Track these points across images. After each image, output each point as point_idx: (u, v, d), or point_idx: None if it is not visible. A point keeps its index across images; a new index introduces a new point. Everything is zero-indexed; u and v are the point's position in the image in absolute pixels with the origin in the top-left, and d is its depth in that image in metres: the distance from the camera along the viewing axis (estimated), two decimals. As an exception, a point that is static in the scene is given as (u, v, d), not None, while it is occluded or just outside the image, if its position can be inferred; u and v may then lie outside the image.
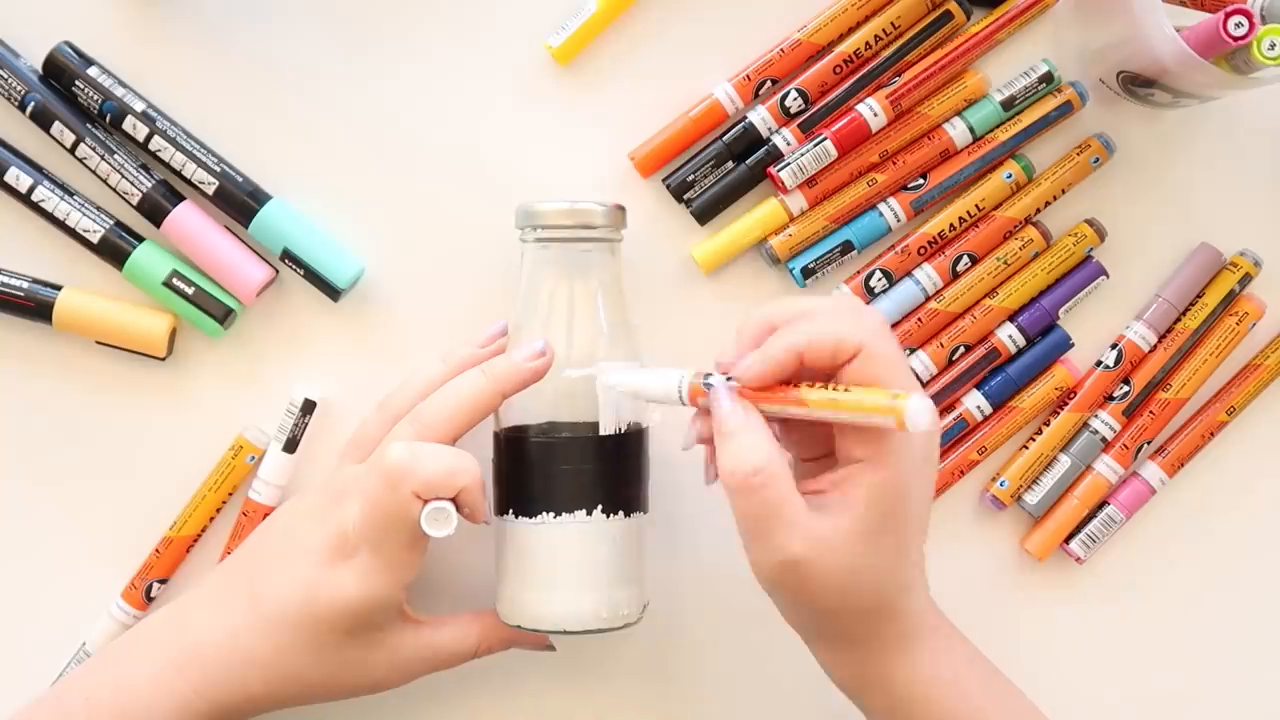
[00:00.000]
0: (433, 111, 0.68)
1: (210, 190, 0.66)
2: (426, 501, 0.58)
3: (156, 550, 0.68)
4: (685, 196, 0.68)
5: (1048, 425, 0.69)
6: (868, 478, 0.54)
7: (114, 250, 0.66)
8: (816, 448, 0.58)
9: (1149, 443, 0.69)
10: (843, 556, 0.54)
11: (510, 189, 0.66)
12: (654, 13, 0.68)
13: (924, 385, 0.68)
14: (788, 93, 0.67)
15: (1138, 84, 0.65)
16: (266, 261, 0.67)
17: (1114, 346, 0.69)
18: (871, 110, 0.67)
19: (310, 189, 0.68)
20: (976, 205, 0.68)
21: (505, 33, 0.68)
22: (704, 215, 0.68)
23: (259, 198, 0.66)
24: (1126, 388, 0.69)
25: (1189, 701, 0.70)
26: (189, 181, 0.66)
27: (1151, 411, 0.69)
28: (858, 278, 0.68)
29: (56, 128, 0.66)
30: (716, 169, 0.67)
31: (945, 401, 0.69)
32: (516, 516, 0.61)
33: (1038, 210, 0.68)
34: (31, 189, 0.66)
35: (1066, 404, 0.69)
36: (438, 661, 0.63)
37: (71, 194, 0.66)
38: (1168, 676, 0.70)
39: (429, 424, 0.60)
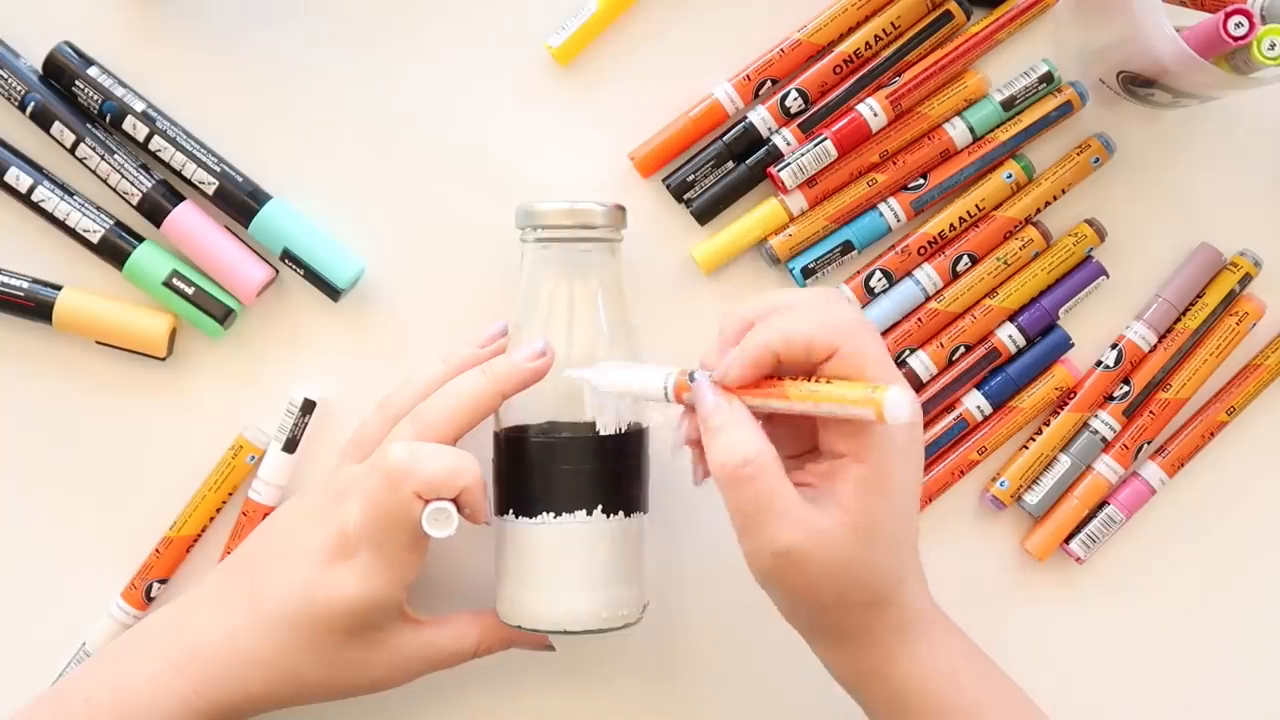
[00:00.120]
0: (433, 111, 0.68)
1: (210, 190, 0.66)
2: (428, 502, 0.58)
3: (156, 550, 0.68)
4: (685, 196, 0.68)
5: (1048, 425, 0.69)
6: (852, 471, 0.54)
7: (114, 250, 0.66)
8: (800, 443, 0.58)
9: (1149, 443, 0.69)
10: (836, 550, 0.54)
11: (510, 189, 0.66)
12: (654, 13, 0.68)
13: (924, 385, 0.68)
14: (788, 93, 0.67)
15: (1138, 84, 0.65)
16: (266, 261, 0.67)
17: (1114, 346, 0.69)
18: (871, 110, 0.67)
19: (310, 189, 0.68)
20: (976, 205, 0.68)
21: (505, 33, 0.68)
22: (704, 215, 0.68)
23: (259, 198, 0.66)
24: (1126, 388, 0.69)
25: (1189, 701, 0.70)
26: (189, 181, 0.66)
27: (1151, 411, 0.69)
28: (858, 278, 0.68)
29: (56, 128, 0.66)
30: (716, 169, 0.67)
31: (945, 401, 0.69)
32: (516, 516, 0.61)
33: (1038, 210, 0.68)
34: (31, 189, 0.66)
35: (1066, 404, 0.69)
36: (437, 661, 0.63)
37: (71, 194, 0.66)
38: (1167, 676, 0.70)
39: (429, 424, 0.60)
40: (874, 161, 0.67)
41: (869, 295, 0.68)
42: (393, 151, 0.68)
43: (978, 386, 0.69)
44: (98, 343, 0.67)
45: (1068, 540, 0.69)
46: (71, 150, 0.66)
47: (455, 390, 0.61)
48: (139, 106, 0.66)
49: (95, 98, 0.65)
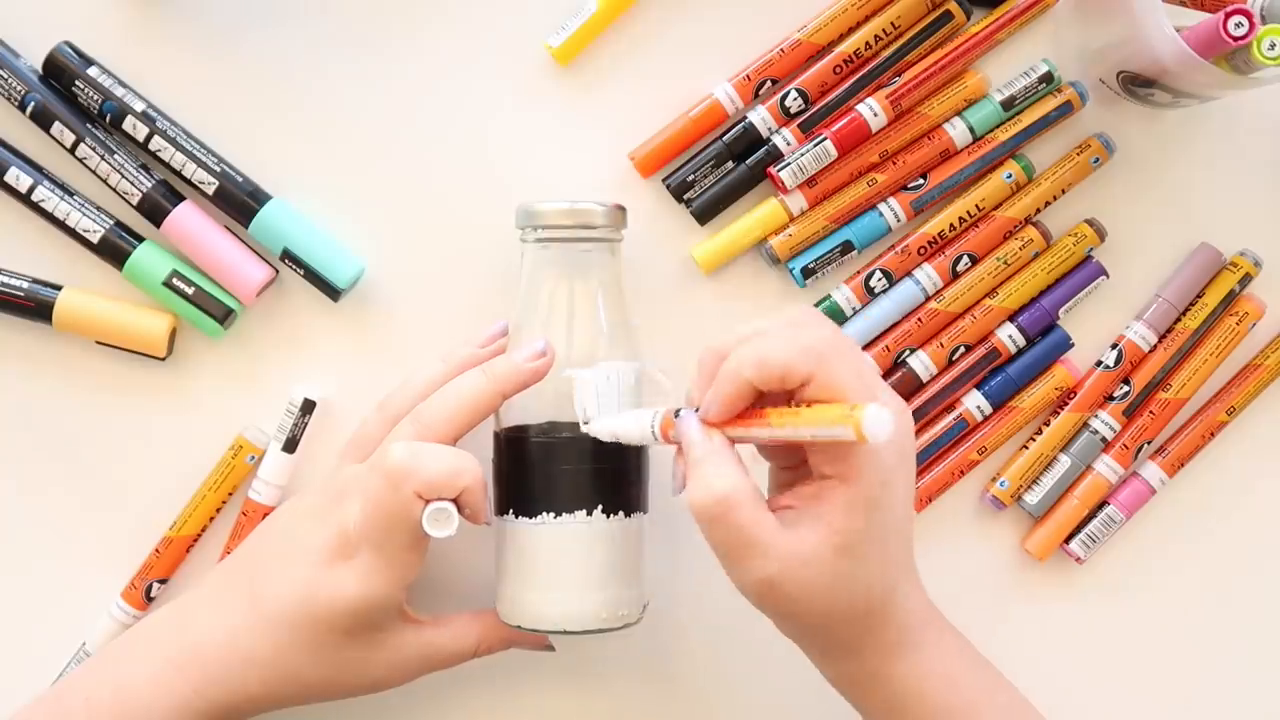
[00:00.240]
0: (433, 111, 0.68)
1: (210, 190, 0.66)
2: (428, 502, 0.58)
3: (156, 550, 0.68)
4: (685, 196, 0.68)
5: (1048, 425, 0.69)
6: (838, 493, 0.54)
7: (114, 250, 0.66)
8: (793, 455, 0.58)
9: (1149, 443, 0.69)
10: (818, 571, 0.54)
11: (510, 189, 0.66)
12: (654, 13, 0.68)
13: (924, 385, 0.68)
14: (788, 93, 0.67)
15: (1138, 84, 0.65)
16: (266, 261, 0.67)
17: (1114, 346, 0.69)
18: (871, 110, 0.67)
19: (310, 189, 0.68)
20: (976, 205, 0.68)
21: (505, 33, 0.68)
22: (704, 215, 0.68)
23: (259, 198, 0.66)
24: (1126, 388, 0.69)
25: (1189, 701, 0.70)
26: (189, 181, 0.66)
27: (1151, 411, 0.69)
28: (858, 278, 0.68)
29: (56, 128, 0.66)
30: (716, 169, 0.67)
31: (945, 401, 0.69)
32: (517, 516, 0.61)
33: (1038, 210, 0.68)
34: (31, 189, 0.66)
35: (1066, 404, 0.69)
36: (437, 661, 0.63)
37: (71, 194, 0.66)
38: (1167, 676, 0.70)
39: (429, 424, 0.60)
40: (874, 161, 0.67)
41: (869, 295, 0.68)
42: (393, 151, 0.68)
43: (978, 386, 0.69)
44: (98, 343, 0.67)
45: (1068, 540, 0.69)
46: (71, 150, 0.66)
47: (455, 390, 0.61)
48: (139, 106, 0.66)
49: (95, 98, 0.65)
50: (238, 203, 0.66)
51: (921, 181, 0.68)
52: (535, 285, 0.63)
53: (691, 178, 0.67)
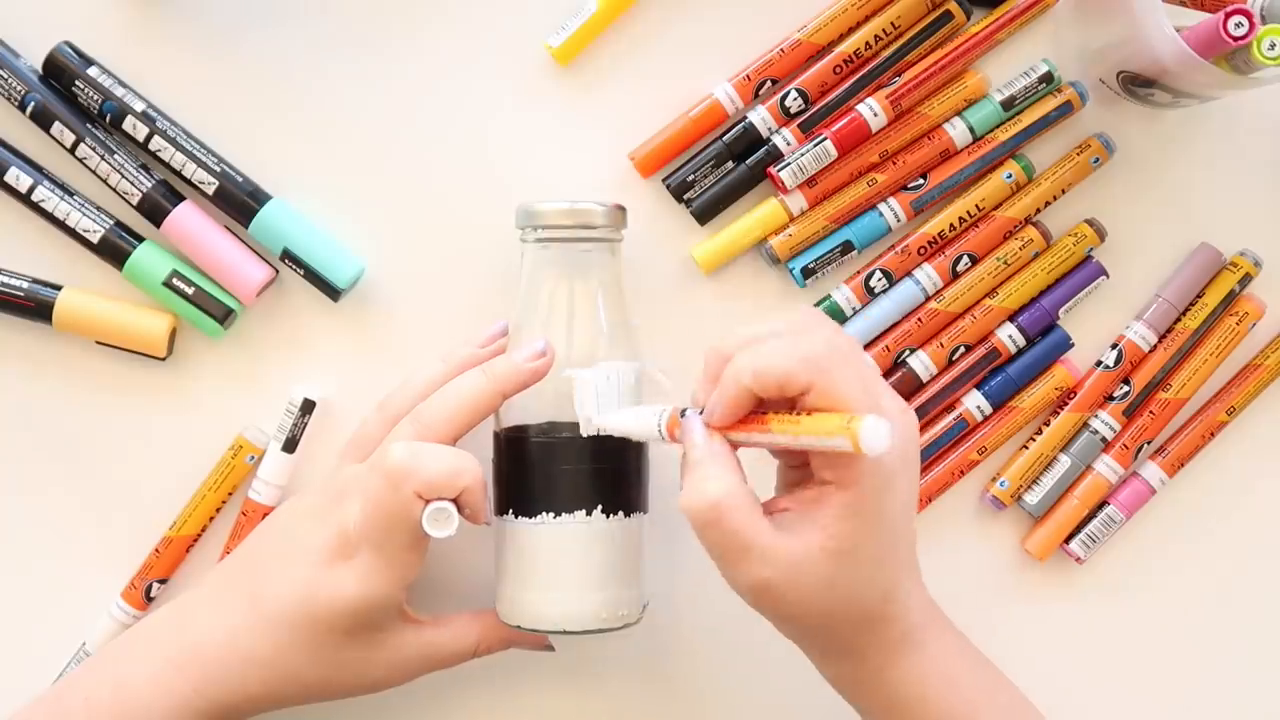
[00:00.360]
0: (433, 111, 0.68)
1: (210, 190, 0.66)
2: (428, 502, 0.58)
3: (156, 550, 0.68)
4: (685, 196, 0.68)
5: (1048, 425, 0.69)
6: (836, 498, 0.54)
7: (114, 250, 0.66)
8: (801, 455, 0.57)
9: (1149, 443, 0.69)
10: (813, 575, 0.54)
11: (510, 189, 0.66)
12: (654, 13, 0.68)
13: (924, 385, 0.68)
14: (788, 93, 0.67)
15: (1138, 84, 0.65)
16: (266, 261, 0.67)
17: (1114, 346, 0.69)
18: (871, 110, 0.67)
19: (310, 189, 0.68)
20: (976, 205, 0.68)
21: (505, 33, 0.68)
22: (704, 215, 0.68)
23: (259, 198, 0.66)
24: (1126, 388, 0.69)
25: (1189, 701, 0.70)
26: (189, 181, 0.66)
27: (1151, 411, 0.69)
28: (858, 278, 0.68)
29: (56, 128, 0.66)
30: (716, 169, 0.67)
31: (945, 401, 0.69)
32: (516, 516, 0.61)
33: (1038, 210, 0.68)
34: (31, 189, 0.66)
35: (1066, 404, 0.69)
36: (437, 661, 0.63)
37: (71, 194, 0.66)
38: (1167, 676, 0.70)
39: (429, 424, 0.60)
40: (874, 161, 0.67)
41: (869, 295, 0.68)
42: (393, 151, 0.68)
43: (978, 386, 0.69)
44: (98, 343, 0.67)
45: (1068, 540, 0.69)
46: (71, 150, 0.66)
47: (455, 390, 0.61)
48: (139, 106, 0.66)
49: (95, 98, 0.65)
50: (238, 203, 0.66)
51: (921, 181, 0.68)
52: (535, 285, 0.63)
53: (691, 178, 0.67)
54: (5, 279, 0.66)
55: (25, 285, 0.66)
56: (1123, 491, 0.69)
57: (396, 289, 0.68)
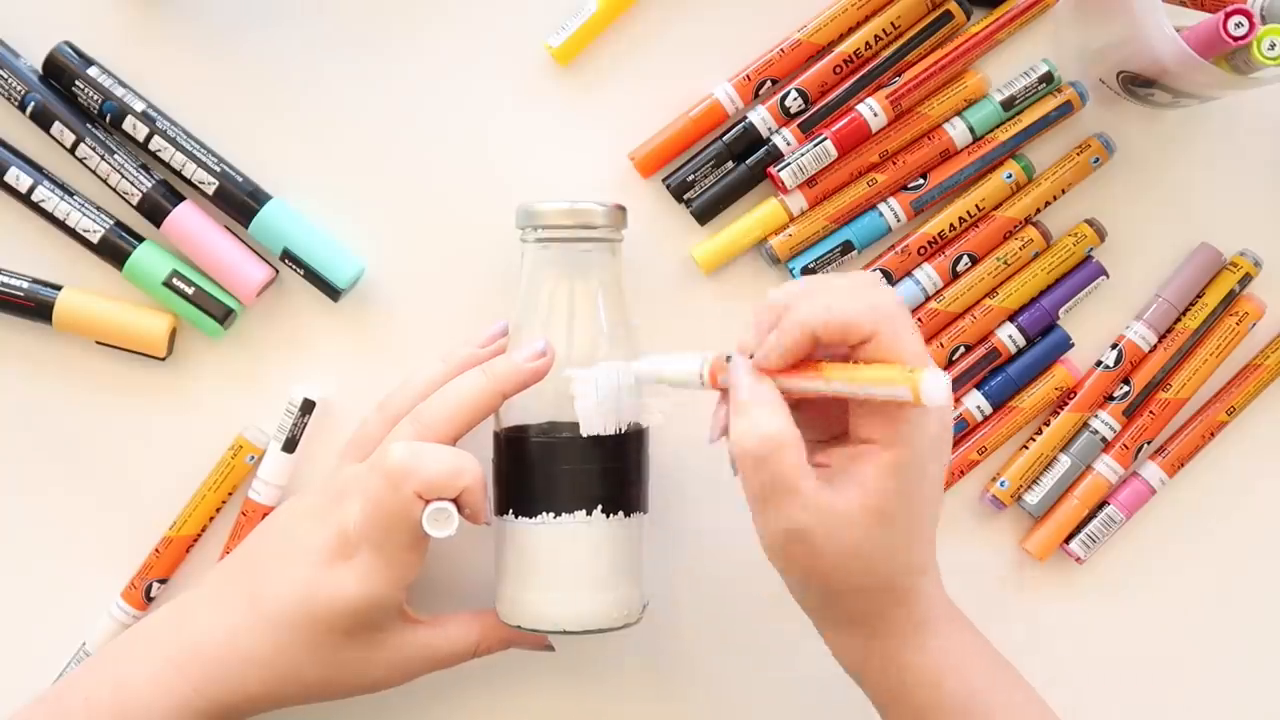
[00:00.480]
0: (433, 111, 0.68)
1: (210, 190, 0.66)
2: (428, 502, 0.58)
3: (156, 550, 0.68)
4: (685, 196, 0.68)
5: (1048, 425, 0.69)
6: (880, 457, 0.54)
7: (114, 250, 0.66)
8: (830, 428, 0.57)
9: (1149, 443, 0.69)
10: (850, 533, 0.54)
11: (510, 189, 0.66)
12: (654, 13, 0.68)
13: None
14: (788, 93, 0.67)
15: (1138, 84, 0.65)
16: (266, 261, 0.67)
17: (1114, 346, 0.69)
18: (871, 110, 0.67)
19: (310, 189, 0.68)
20: (976, 205, 0.68)
21: (505, 33, 0.68)
22: (704, 215, 0.68)
23: (259, 198, 0.66)
24: (1126, 388, 0.69)
25: (1189, 701, 0.70)
26: (189, 181, 0.66)
27: (1151, 411, 0.69)
28: (858, 278, 0.68)
29: (56, 128, 0.66)
30: (716, 169, 0.67)
31: (945, 401, 0.69)
32: (516, 516, 0.61)
33: (1038, 210, 0.68)
34: (31, 189, 0.66)
35: (1066, 404, 0.69)
36: (437, 661, 0.63)
37: (71, 194, 0.66)
38: (1168, 676, 0.70)
39: (429, 424, 0.60)
40: (874, 161, 0.67)
41: (869, 295, 0.68)
42: (393, 151, 0.68)
43: (978, 386, 0.69)
44: (98, 343, 0.67)
45: (1068, 540, 0.69)
46: (71, 150, 0.66)
47: (455, 390, 0.61)
48: (139, 106, 0.66)
49: (95, 98, 0.65)
50: (238, 203, 0.66)
51: (921, 181, 0.68)
52: (535, 285, 0.63)
53: (691, 178, 0.67)
54: (5, 279, 0.66)
55: (25, 285, 0.66)
56: (1123, 491, 0.69)
57: (396, 289, 0.68)
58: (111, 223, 0.66)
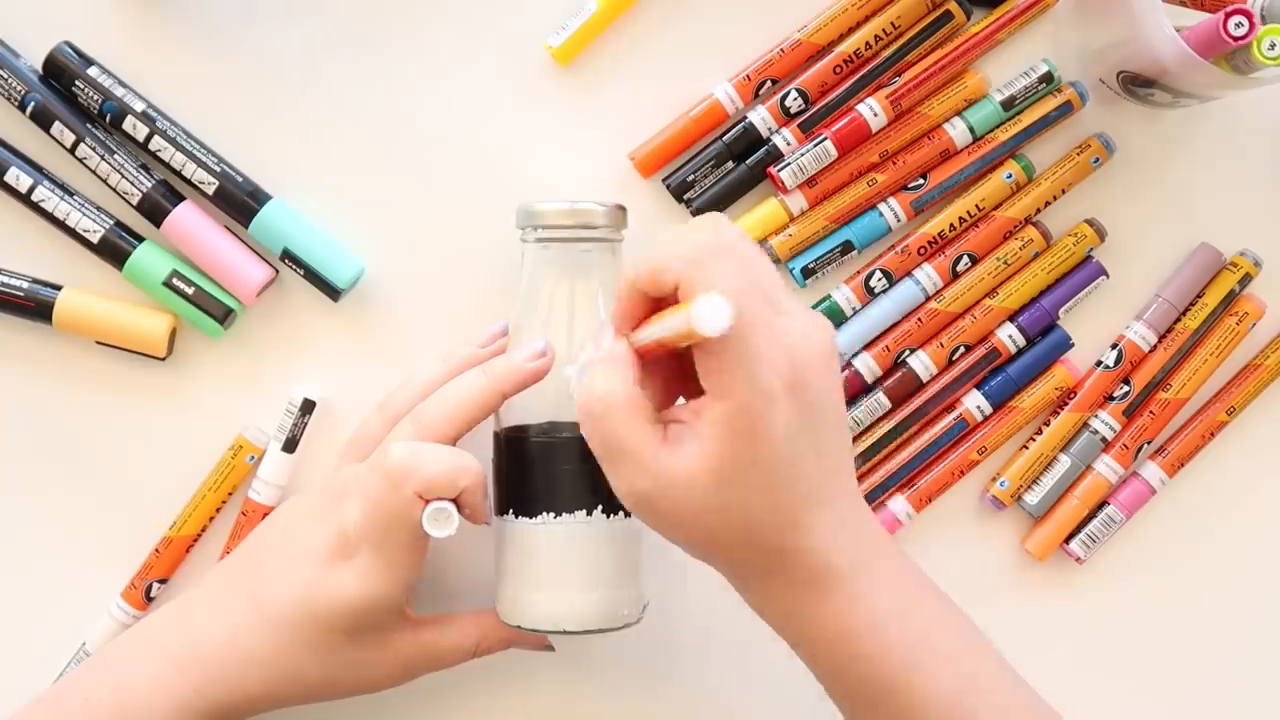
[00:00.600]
0: (433, 111, 0.68)
1: (210, 190, 0.66)
2: (428, 502, 0.58)
3: (156, 550, 0.68)
4: (685, 196, 0.68)
5: (1048, 425, 0.69)
6: (713, 410, 0.50)
7: (114, 250, 0.66)
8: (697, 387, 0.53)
9: (1149, 443, 0.69)
10: (693, 493, 0.51)
11: (511, 189, 0.66)
12: (654, 13, 0.68)
13: (924, 385, 0.68)
14: (788, 93, 0.67)
15: (1138, 84, 0.65)
16: (266, 261, 0.67)
17: (1114, 346, 0.69)
18: (871, 110, 0.67)
19: (310, 189, 0.68)
20: (976, 205, 0.68)
21: (505, 33, 0.68)
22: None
23: (259, 198, 0.66)
24: (1126, 388, 0.69)
25: (1189, 701, 0.70)
26: (189, 181, 0.66)
27: (1151, 411, 0.69)
28: (858, 278, 0.68)
29: (56, 128, 0.66)
30: (716, 169, 0.67)
31: (945, 401, 0.69)
32: (517, 516, 0.61)
33: (1038, 210, 0.68)
34: (31, 189, 0.66)
35: (1066, 404, 0.69)
36: (437, 661, 0.63)
37: (71, 194, 0.66)
38: (1167, 676, 0.70)
39: (429, 424, 0.60)
40: (874, 161, 0.67)
41: (869, 295, 0.68)
42: (393, 151, 0.68)
43: (978, 386, 0.69)
44: (98, 343, 0.67)
45: (1068, 540, 0.69)
46: (71, 150, 0.66)
47: (455, 390, 0.61)
48: (139, 106, 0.66)
49: (95, 98, 0.65)
50: (238, 203, 0.66)
51: (921, 181, 0.68)
52: (535, 285, 0.63)
53: (691, 178, 0.67)
54: (5, 279, 0.66)
55: (25, 285, 0.66)
56: (1123, 491, 0.69)
57: (396, 289, 0.68)
58: (111, 223, 0.66)
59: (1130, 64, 0.64)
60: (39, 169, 0.67)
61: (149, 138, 0.66)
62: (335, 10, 0.68)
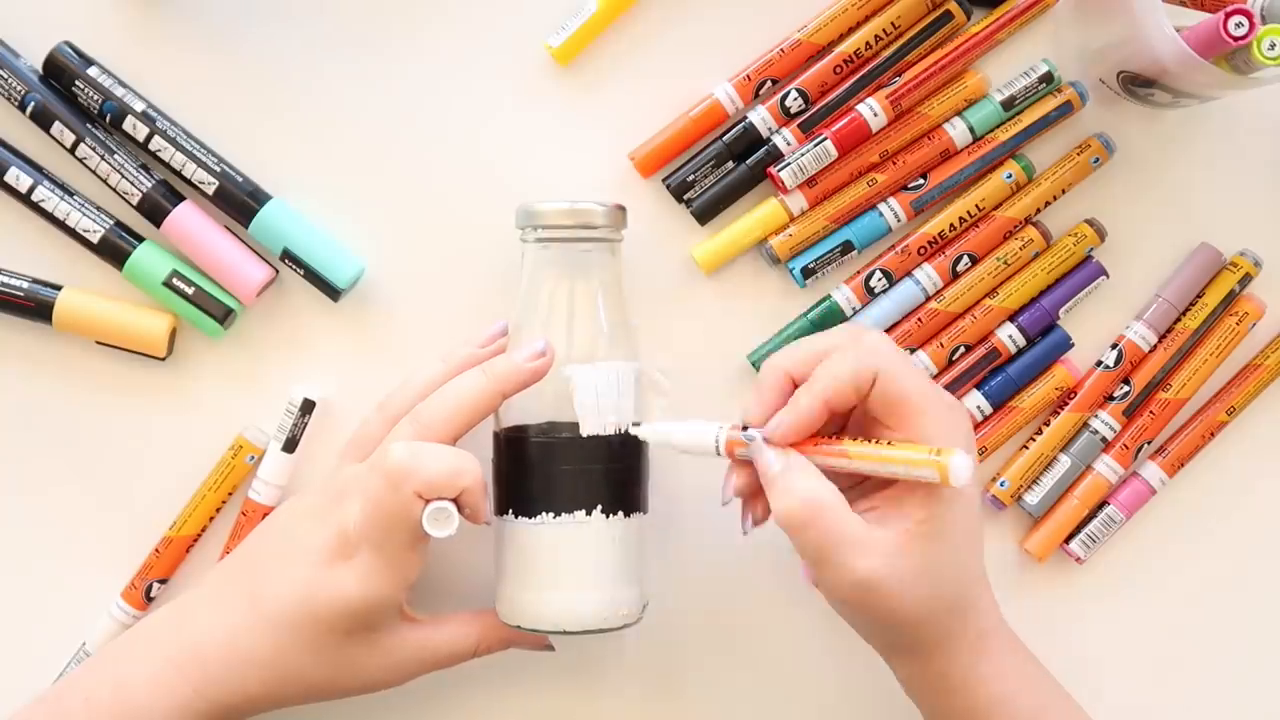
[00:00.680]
0: (433, 111, 0.68)
1: (210, 190, 0.66)
2: (428, 501, 0.58)
3: (156, 550, 0.68)
4: (685, 196, 0.68)
5: (1048, 425, 0.69)
6: (921, 488, 0.56)
7: (114, 250, 0.66)
8: (856, 478, 0.59)
9: (1149, 443, 0.69)
10: (910, 561, 0.55)
11: (510, 189, 0.66)
12: (654, 13, 0.68)
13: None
14: (788, 93, 0.67)
15: (1138, 84, 0.65)
16: (266, 261, 0.67)
17: (1114, 346, 0.69)
18: (871, 110, 0.67)
19: (310, 189, 0.68)
20: (976, 205, 0.68)
21: (505, 33, 0.68)
22: (704, 215, 0.68)
23: (259, 198, 0.66)
24: (1126, 388, 0.69)
25: (1189, 701, 0.70)
26: (189, 181, 0.66)
27: (1151, 411, 0.69)
28: (858, 278, 0.68)
29: (56, 128, 0.66)
30: (716, 169, 0.67)
31: (945, 401, 0.69)
32: (516, 516, 0.61)
33: (1038, 210, 0.68)
34: (31, 189, 0.66)
35: (1066, 404, 0.69)
36: (437, 661, 0.63)
37: (71, 194, 0.66)
38: (1168, 676, 0.70)
39: (429, 424, 0.60)
40: (874, 161, 0.67)
41: (869, 295, 0.68)
42: (392, 151, 0.68)
43: (978, 386, 0.69)
44: (98, 343, 0.67)
45: (1068, 540, 0.69)
46: (71, 150, 0.66)
47: (455, 390, 0.61)
48: (139, 106, 0.66)
49: (95, 98, 0.65)
50: (238, 203, 0.66)
51: (921, 181, 0.68)
52: (535, 285, 0.63)
53: (691, 178, 0.67)
54: (5, 279, 0.66)
55: (25, 285, 0.66)
56: (1123, 491, 0.69)
57: (396, 289, 0.68)
58: (111, 223, 0.66)
59: (1130, 64, 0.64)
60: (39, 169, 0.67)
61: (149, 138, 0.66)
62: (335, 10, 0.68)
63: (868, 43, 0.67)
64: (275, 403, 0.67)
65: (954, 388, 0.68)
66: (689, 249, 0.68)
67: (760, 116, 0.67)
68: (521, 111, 0.68)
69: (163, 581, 0.68)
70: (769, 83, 0.67)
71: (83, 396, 0.68)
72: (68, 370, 0.68)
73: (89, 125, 0.66)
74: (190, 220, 0.66)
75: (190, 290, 0.66)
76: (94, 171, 0.66)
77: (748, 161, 0.67)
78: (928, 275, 0.68)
